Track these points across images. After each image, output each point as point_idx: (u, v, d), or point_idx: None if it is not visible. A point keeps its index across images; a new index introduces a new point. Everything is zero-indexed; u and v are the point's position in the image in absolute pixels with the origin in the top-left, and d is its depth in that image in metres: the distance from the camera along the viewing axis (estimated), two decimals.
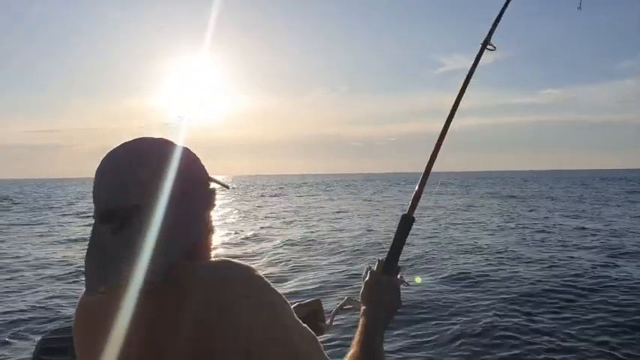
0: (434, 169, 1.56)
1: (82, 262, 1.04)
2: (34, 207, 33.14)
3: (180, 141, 1.12)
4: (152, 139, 1.04)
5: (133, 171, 0.99)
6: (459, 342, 5.81)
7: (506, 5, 1.81)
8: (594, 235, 14.46)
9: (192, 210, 1.04)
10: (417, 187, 1.56)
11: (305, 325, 1.03)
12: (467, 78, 1.70)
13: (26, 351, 5.79)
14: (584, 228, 16.09)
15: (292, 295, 7.68)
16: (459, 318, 6.61)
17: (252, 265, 1.02)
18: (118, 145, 1.03)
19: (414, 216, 1.48)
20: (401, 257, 1.42)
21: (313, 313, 1.46)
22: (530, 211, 23.04)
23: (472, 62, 1.72)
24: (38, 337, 1.97)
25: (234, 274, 0.98)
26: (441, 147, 1.61)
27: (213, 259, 1.04)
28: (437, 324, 6.44)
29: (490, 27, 1.76)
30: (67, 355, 1.80)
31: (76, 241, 15.86)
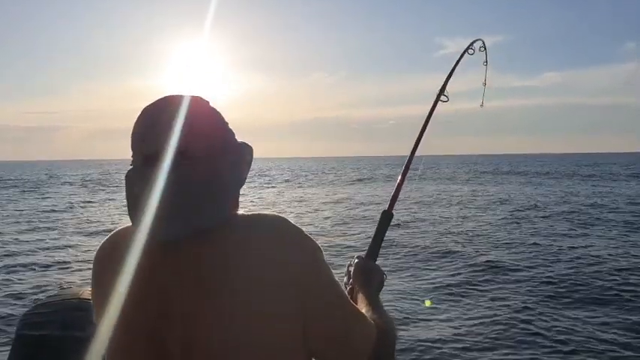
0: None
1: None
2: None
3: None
4: (197, 96, 1.11)
5: (183, 119, 1.05)
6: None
7: (458, 61, 2.02)
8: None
9: (239, 161, 1.13)
10: (395, 185, 1.74)
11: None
12: (422, 128, 1.86)
13: (10, 326, 5.77)
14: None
15: None
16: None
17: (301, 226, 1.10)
18: (163, 97, 1.09)
19: (393, 212, 1.67)
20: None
21: None
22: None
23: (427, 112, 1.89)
24: (22, 311, 1.90)
25: (288, 231, 1.07)
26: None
27: (263, 213, 1.11)
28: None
29: (445, 79, 1.96)
30: (51, 328, 1.75)
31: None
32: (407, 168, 1.78)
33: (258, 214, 1.10)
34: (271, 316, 1.02)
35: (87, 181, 44.53)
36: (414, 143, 1.85)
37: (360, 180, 39.65)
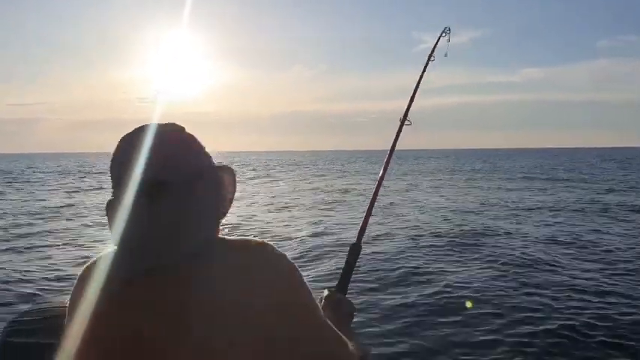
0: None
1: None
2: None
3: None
4: (172, 124, 1.13)
5: (172, 149, 1.08)
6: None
7: (417, 86, 2.19)
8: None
9: (219, 187, 1.13)
10: (363, 217, 1.79)
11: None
12: (390, 152, 1.97)
13: None
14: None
15: None
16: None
17: (284, 252, 1.11)
18: (140, 127, 1.11)
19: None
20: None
21: None
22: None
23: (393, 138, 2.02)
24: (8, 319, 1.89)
25: (272, 258, 1.08)
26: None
27: (247, 238, 1.12)
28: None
29: (407, 105, 2.11)
30: (37, 336, 1.75)
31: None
32: (374, 198, 1.86)
33: (242, 240, 1.11)
34: (253, 343, 1.01)
35: (65, 173, 43.73)
36: (381, 172, 1.94)
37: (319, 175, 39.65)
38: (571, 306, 6.26)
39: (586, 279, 7.43)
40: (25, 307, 6.50)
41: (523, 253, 9.08)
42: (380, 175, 1.92)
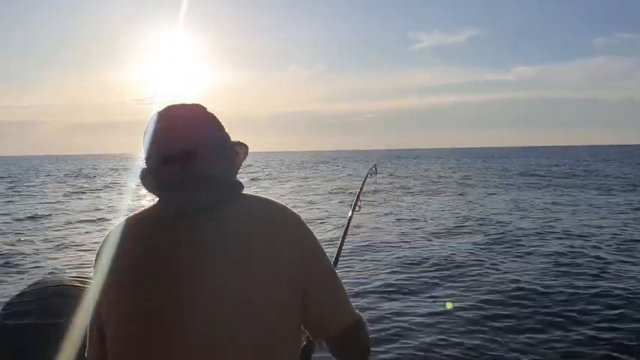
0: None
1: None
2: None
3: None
4: (199, 104, 1.34)
5: (200, 125, 1.30)
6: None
7: (364, 183, 3.08)
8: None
9: (236, 156, 1.35)
10: (339, 242, 2.28)
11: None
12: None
13: None
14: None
15: None
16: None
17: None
18: (171, 105, 1.32)
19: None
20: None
21: None
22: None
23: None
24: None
25: (295, 215, 1.30)
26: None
27: (264, 197, 1.33)
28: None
29: (357, 194, 3.05)
30: (34, 316, 1.75)
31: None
32: (346, 231, 2.33)
33: (263, 197, 1.33)
34: (270, 278, 1.19)
35: (67, 176, 43.63)
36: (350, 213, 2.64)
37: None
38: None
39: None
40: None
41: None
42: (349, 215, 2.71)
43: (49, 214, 16.42)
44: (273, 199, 1.33)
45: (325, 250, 1.31)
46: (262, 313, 1.16)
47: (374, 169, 2.81)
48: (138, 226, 1.30)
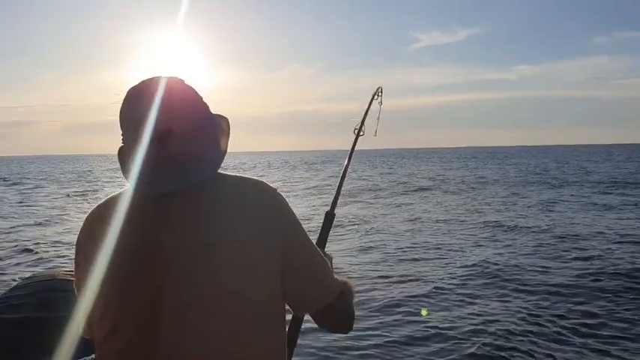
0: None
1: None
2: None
3: None
4: (175, 77, 1.24)
5: (178, 102, 1.21)
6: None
7: (368, 108, 2.38)
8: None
9: (217, 132, 1.26)
10: (336, 188, 2.03)
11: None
12: (345, 166, 2.17)
13: None
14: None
15: None
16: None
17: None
18: (144, 80, 1.23)
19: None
20: None
21: None
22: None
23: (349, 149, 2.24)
24: None
25: (272, 190, 1.26)
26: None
27: (243, 175, 1.29)
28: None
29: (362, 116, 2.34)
30: (28, 310, 1.76)
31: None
32: (344, 173, 2.13)
33: (240, 176, 1.28)
34: (256, 260, 1.17)
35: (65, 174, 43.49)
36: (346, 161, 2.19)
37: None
38: None
39: None
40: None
41: None
42: (345, 164, 2.19)
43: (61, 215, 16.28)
44: (250, 177, 1.29)
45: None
46: (250, 301, 1.15)
47: (379, 92, 2.43)
48: (114, 206, 1.23)
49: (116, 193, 1.29)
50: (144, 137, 1.17)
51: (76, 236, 1.28)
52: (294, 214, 1.27)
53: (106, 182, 32.59)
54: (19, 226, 13.79)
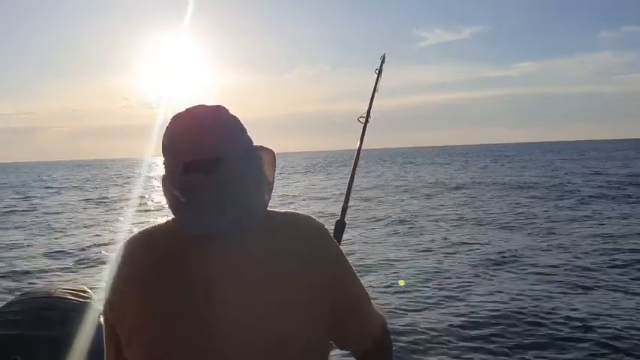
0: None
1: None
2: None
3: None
4: (221, 106, 1.20)
5: (225, 130, 1.16)
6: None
7: (378, 79, 2.35)
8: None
9: (262, 163, 1.20)
10: (345, 194, 1.97)
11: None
12: (353, 168, 2.09)
13: None
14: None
15: None
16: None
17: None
18: (188, 107, 1.18)
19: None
20: None
21: None
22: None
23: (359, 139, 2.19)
24: None
25: (319, 227, 1.21)
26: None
27: (290, 211, 1.24)
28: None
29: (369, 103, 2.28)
30: (22, 327, 1.73)
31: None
32: (351, 181, 2.03)
33: (288, 213, 1.23)
34: (305, 303, 1.13)
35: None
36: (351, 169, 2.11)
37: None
38: None
39: None
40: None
41: None
42: (354, 160, 2.10)
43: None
44: (298, 213, 1.23)
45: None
46: (298, 343, 1.12)
47: (382, 60, 2.32)
48: (157, 244, 1.17)
49: (152, 227, 1.22)
50: (192, 166, 1.11)
51: (111, 269, 1.20)
52: (341, 250, 1.24)
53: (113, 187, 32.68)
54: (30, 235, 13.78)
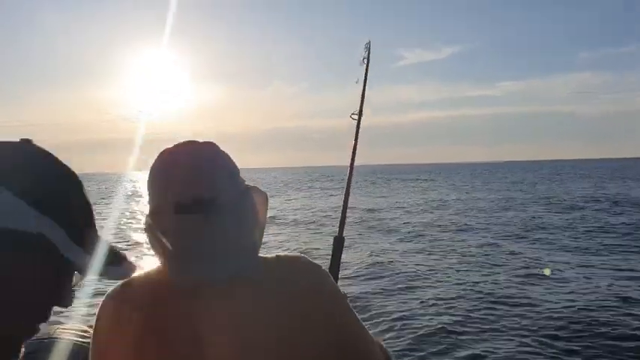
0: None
1: None
2: None
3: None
4: (212, 142, 1.13)
5: (212, 167, 1.07)
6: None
7: (366, 75, 2.26)
8: None
9: (255, 205, 1.13)
10: (341, 209, 1.92)
11: None
12: (348, 180, 2.02)
13: None
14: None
15: None
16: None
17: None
18: (179, 143, 1.10)
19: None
20: None
21: None
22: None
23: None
24: None
25: (313, 267, 1.18)
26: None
27: (281, 254, 1.19)
28: None
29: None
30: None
31: None
32: (347, 193, 1.96)
33: (280, 257, 1.18)
34: (306, 345, 1.10)
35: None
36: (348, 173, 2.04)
37: None
38: None
39: None
40: None
41: None
42: (348, 171, 2.05)
43: None
44: (290, 255, 1.20)
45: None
46: None
47: (367, 46, 2.20)
48: (144, 297, 1.10)
49: (136, 277, 1.12)
50: (184, 207, 1.02)
51: (96, 322, 1.13)
52: (338, 289, 1.22)
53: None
54: None
